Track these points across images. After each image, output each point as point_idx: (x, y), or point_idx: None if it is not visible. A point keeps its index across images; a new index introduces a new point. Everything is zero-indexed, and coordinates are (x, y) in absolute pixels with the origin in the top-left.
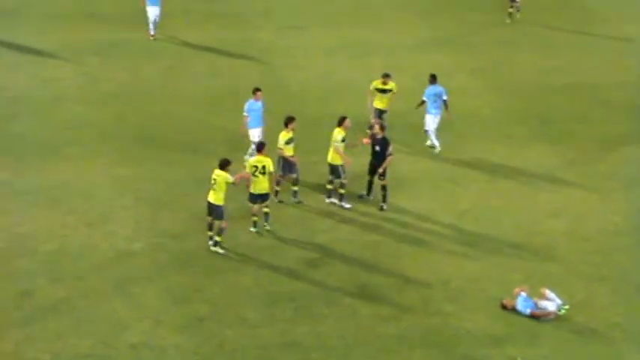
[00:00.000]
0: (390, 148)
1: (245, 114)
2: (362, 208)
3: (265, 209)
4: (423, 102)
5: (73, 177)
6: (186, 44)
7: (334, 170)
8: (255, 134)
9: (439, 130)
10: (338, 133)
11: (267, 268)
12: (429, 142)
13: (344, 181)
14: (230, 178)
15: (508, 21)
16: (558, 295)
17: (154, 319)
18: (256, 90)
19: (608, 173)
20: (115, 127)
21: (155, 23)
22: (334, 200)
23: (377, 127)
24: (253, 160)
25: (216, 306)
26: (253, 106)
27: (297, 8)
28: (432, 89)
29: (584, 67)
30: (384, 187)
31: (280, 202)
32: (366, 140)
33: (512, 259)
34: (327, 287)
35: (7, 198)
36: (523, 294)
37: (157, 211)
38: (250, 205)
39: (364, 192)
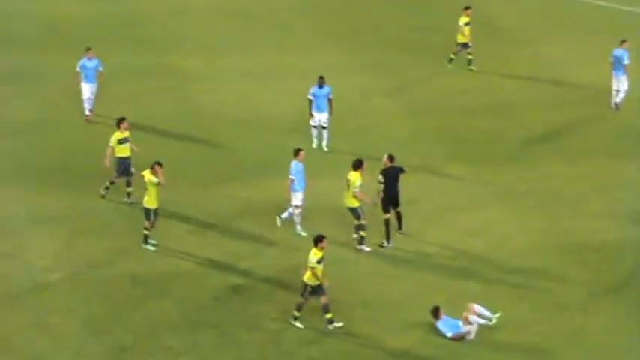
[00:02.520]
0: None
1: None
2: (284, 232)
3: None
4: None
5: None
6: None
7: (351, 212)
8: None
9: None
10: (356, 179)
11: (189, 295)
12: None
13: (363, 222)
14: (154, 179)
15: (449, 66)
16: (486, 307)
17: (73, 350)
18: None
19: (525, 192)
20: (30, 155)
21: (91, 101)
22: (365, 247)
23: (385, 158)
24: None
25: (138, 335)
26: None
27: (217, 33)
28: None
29: (501, 87)
30: (399, 216)
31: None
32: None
33: (434, 279)
34: (250, 313)
35: None
36: (444, 316)
37: (75, 240)
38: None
39: (384, 240)
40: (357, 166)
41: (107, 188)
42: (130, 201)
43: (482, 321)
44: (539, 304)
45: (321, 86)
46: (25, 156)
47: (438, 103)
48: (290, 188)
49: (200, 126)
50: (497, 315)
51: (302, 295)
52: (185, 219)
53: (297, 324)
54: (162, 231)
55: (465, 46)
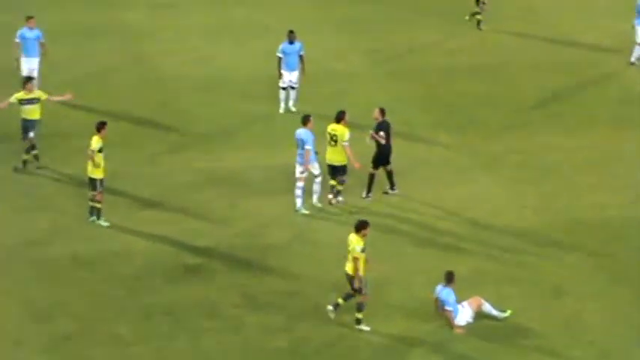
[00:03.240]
0: (382, 133)
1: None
2: (248, 207)
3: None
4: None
5: None
6: (43, 28)
7: (338, 170)
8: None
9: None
10: (344, 131)
11: (141, 277)
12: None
13: (345, 178)
14: (94, 145)
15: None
16: (494, 306)
17: (11, 339)
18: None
19: (519, 163)
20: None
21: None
22: (340, 199)
23: (376, 112)
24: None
25: (83, 322)
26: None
27: None
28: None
29: (494, 46)
30: (391, 173)
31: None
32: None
33: (415, 261)
34: (209, 297)
35: None
36: (446, 288)
37: (12, 216)
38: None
39: (364, 192)
40: (341, 117)
41: (25, 161)
42: (19, 167)
43: (464, 322)
44: (533, 288)
45: (291, 42)
46: None
47: (422, 65)
48: (308, 159)
49: (153, 91)
50: (507, 314)
51: (356, 291)
52: (136, 193)
53: (364, 327)
54: (110, 206)
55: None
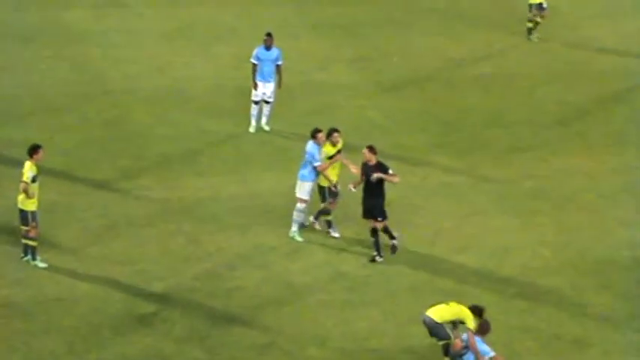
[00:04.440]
0: (391, 172)
1: None
2: (211, 244)
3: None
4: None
5: None
6: None
7: (328, 191)
8: None
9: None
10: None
11: (84, 329)
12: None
13: (329, 205)
14: (26, 174)
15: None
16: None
17: None
18: None
19: (534, 191)
20: None
21: None
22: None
23: (365, 151)
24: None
25: None
26: None
27: None
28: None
29: (501, 53)
30: (386, 230)
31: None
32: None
33: (411, 307)
34: (164, 352)
35: None
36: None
37: None
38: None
39: (374, 253)
40: (313, 135)
41: None
42: None
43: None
44: (549, 340)
45: (267, 48)
46: None
47: (418, 76)
48: (325, 168)
49: (99, 105)
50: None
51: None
52: (80, 227)
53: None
54: (47, 243)
55: (540, 7)
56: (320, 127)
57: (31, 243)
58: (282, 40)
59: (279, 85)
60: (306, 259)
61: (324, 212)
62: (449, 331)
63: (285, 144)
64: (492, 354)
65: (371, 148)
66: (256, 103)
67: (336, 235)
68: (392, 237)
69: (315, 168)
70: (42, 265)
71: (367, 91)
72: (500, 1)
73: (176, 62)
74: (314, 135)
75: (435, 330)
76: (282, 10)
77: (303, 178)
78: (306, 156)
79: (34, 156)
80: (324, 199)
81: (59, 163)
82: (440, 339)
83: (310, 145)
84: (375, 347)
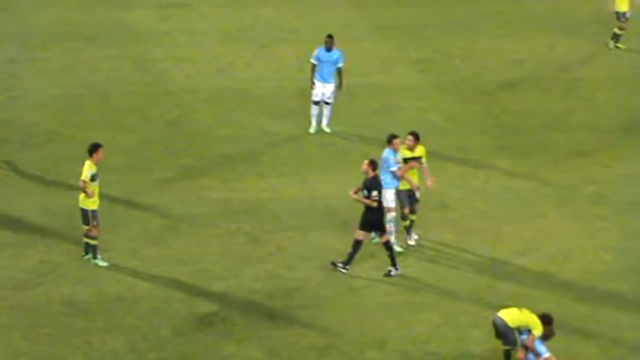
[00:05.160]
0: (375, 193)
1: None
2: (271, 245)
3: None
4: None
5: None
6: (35, 29)
7: (412, 194)
8: None
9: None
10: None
11: (144, 328)
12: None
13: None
14: (85, 173)
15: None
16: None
17: None
18: None
19: (596, 195)
20: None
21: None
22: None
23: (365, 165)
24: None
25: None
26: None
27: None
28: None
29: (564, 56)
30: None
31: None
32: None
33: (471, 311)
34: (224, 352)
35: None
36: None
37: None
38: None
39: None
40: (389, 140)
41: None
42: None
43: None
44: (610, 345)
45: (328, 49)
46: None
47: (480, 78)
48: (404, 172)
49: (162, 105)
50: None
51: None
52: (141, 227)
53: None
54: (109, 243)
55: (622, 15)
56: (382, 128)
57: (92, 242)
58: (344, 42)
59: (339, 87)
60: (367, 261)
61: (403, 218)
62: (517, 337)
63: (346, 146)
64: (548, 354)
65: (370, 163)
66: (316, 103)
67: (412, 242)
68: (392, 260)
69: (392, 174)
70: (103, 264)
71: (429, 93)
72: (563, 4)
73: (238, 63)
74: (390, 141)
75: (504, 333)
76: (344, 11)
77: (384, 186)
78: (382, 163)
79: (94, 155)
80: (401, 205)
81: (121, 162)
82: (506, 343)
83: (386, 152)
84: (435, 351)
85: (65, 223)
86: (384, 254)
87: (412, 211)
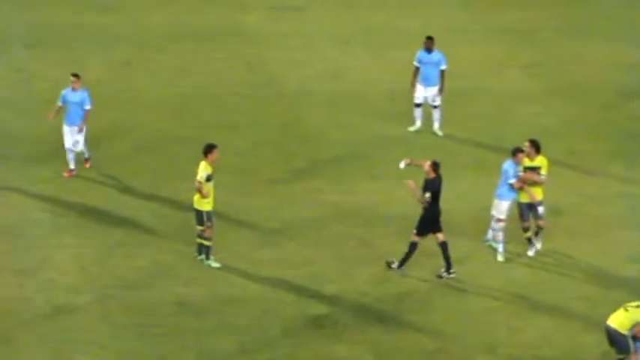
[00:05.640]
0: (428, 195)
1: (59, 103)
2: (382, 248)
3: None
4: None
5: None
6: (149, 30)
7: (532, 208)
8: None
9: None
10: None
11: (255, 328)
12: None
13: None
14: (200, 174)
15: None
16: None
17: None
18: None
19: None
20: (52, 142)
21: (73, 153)
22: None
23: (426, 165)
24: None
25: None
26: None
27: None
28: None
29: None
30: (445, 247)
31: None
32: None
33: (583, 317)
34: (335, 355)
35: None
36: None
37: (107, 253)
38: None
39: (393, 259)
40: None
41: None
42: None
43: None
44: None
45: (429, 50)
46: (45, 141)
47: (594, 82)
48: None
49: (274, 107)
50: None
51: None
52: (252, 227)
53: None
54: (221, 244)
55: None
56: (495, 132)
57: (205, 242)
58: (457, 45)
59: (441, 89)
60: (477, 265)
61: (524, 229)
62: (631, 344)
63: (457, 149)
64: None
65: (432, 164)
66: (417, 105)
67: (530, 253)
68: (449, 267)
69: (510, 186)
70: (215, 264)
71: (542, 97)
72: None
73: (351, 66)
74: (514, 154)
75: (616, 340)
76: (457, 14)
77: (500, 197)
78: (502, 174)
79: (209, 156)
80: (522, 217)
81: (233, 163)
82: (619, 351)
83: (507, 163)
84: (546, 356)
85: (178, 223)
86: (493, 259)
87: (538, 227)
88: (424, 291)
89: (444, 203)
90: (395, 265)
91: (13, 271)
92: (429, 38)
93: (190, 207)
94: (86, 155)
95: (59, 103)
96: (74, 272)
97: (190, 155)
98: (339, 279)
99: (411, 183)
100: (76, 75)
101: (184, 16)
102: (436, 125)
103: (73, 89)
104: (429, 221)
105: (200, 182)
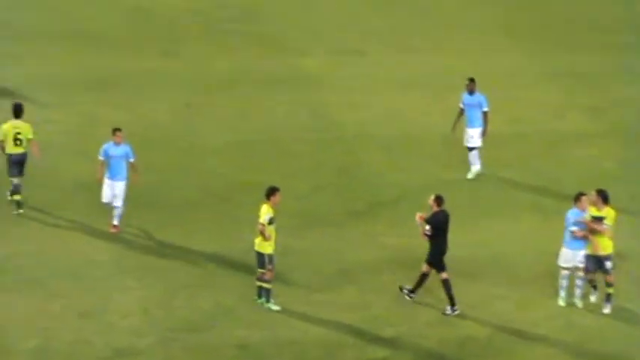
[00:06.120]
0: (428, 227)
1: (101, 158)
2: (440, 291)
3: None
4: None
5: (60, 250)
6: (210, 74)
7: (598, 261)
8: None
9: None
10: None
11: None
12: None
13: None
14: (263, 217)
15: None
16: None
17: None
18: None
19: None
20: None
21: (118, 209)
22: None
23: (430, 200)
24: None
25: None
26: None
27: (355, 27)
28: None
29: None
30: (447, 285)
31: None
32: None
33: None
34: None
35: None
36: None
37: (171, 296)
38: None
39: (407, 285)
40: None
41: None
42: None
43: None
44: None
45: (471, 92)
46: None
47: None
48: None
49: (334, 150)
50: None
51: None
52: (312, 270)
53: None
54: (281, 287)
55: None
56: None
57: (265, 285)
58: (516, 88)
59: (484, 132)
60: (538, 310)
61: (589, 281)
62: None
63: (517, 193)
64: None
65: (436, 198)
66: (470, 149)
67: (606, 311)
68: (453, 304)
69: (571, 233)
70: (275, 307)
71: (600, 140)
72: None
73: (410, 109)
74: (576, 199)
75: None
76: (515, 58)
77: (565, 244)
78: (565, 221)
79: (272, 198)
80: (585, 269)
81: (294, 207)
82: None
83: (570, 211)
84: None
85: (239, 266)
86: (555, 304)
87: (608, 283)
88: (485, 335)
89: (504, 245)
90: (406, 291)
91: (75, 313)
92: (471, 80)
93: (251, 250)
94: (117, 220)
95: (101, 158)
96: (136, 314)
97: (251, 199)
98: (398, 322)
99: (418, 217)
100: (119, 129)
101: (246, 62)
102: (474, 169)
103: (116, 143)
104: (441, 255)
105: (263, 225)
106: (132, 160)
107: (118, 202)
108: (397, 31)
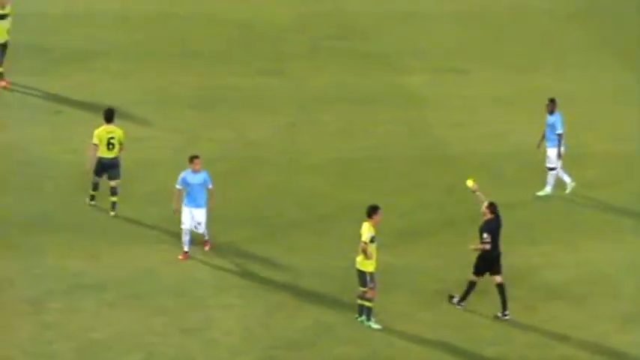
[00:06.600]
0: (485, 235)
1: (178, 186)
2: (543, 312)
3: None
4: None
5: (163, 267)
6: (314, 93)
7: None
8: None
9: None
10: None
11: None
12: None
13: None
14: (365, 235)
15: None
16: None
17: None
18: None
19: None
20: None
21: (189, 235)
22: None
23: (484, 206)
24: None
25: None
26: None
27: (458, 46)
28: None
29: None
30: (502, 288)
31: None
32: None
33: None
34: None
35: (78, 293)
36: None
37: (270, 313)
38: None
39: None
40: None
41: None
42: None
43: None
44: None
45: (550, 112)
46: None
47: None
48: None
49: (438, 169)
50: None
51: None
52: (414, 289)
53: None
54: (382, 305)
55: None
56: None
57: (367, 304)
58: (620, 106)
59: (559, 154)
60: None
61: None
62: None
63: (620, 213)
64: None
65: (489, 205)
66: (550, 169)
67: None
68: (505, 308)
69: None
70: (376, 326)
71: None
72: None
73: (512, 128)
74: None
75: None
76: (620, 75)
77: None
78: None
79: (373, 217)
80: None
81: (396, 225)
82: None
83: None
84: None
85: (339, 284)
86: None
87: None
88: (586, 357)
89: (607, 267)
90: (455, 300)
91: (177, 330)
92: (551, 101)
93: (352, 267)
94: (206, 237)
95: (178, 187)
96: (237, 332)
97: (353, 217)
98: (499, 341)
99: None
100: (197, 156)
101: (347, 79)
102: (547, 188)
103: (194, 171)
104: (488, 261)
105: (365, 243)
106: (210, 186)
107: (202, 229)
108: (493, 49)
